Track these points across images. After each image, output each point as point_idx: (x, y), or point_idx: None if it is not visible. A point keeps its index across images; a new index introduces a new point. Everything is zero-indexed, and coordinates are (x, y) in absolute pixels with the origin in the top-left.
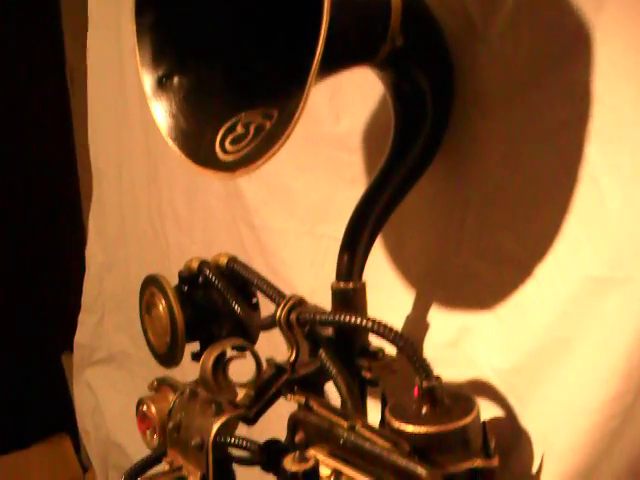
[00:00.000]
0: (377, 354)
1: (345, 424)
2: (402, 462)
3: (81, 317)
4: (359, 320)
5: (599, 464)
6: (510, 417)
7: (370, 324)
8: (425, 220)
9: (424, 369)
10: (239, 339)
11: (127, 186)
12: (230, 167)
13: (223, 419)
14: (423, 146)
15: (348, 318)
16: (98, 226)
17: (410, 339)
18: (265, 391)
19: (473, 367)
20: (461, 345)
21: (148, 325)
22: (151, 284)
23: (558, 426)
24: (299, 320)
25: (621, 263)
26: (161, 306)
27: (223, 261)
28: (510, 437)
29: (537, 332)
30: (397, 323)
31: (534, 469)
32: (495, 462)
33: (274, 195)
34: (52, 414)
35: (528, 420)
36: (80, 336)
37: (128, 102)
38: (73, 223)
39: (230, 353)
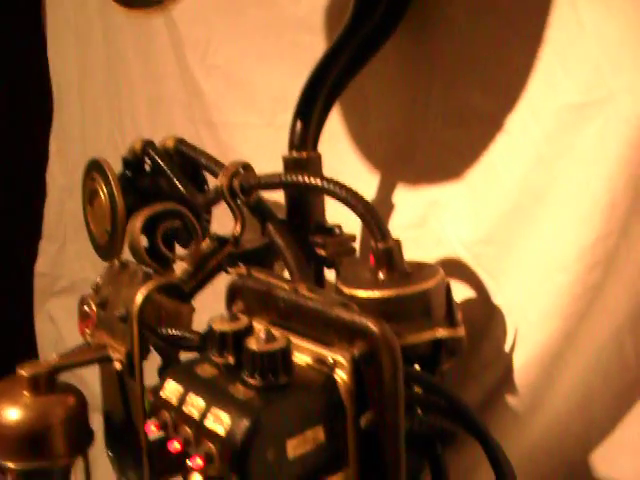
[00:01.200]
0: (332, 230)
1: (287, 287)
2: (349, 316)
3: (42, 245)
4: (307, 179)
5: (579, 328)
6: (482, 296)
7: (319, 182)
8: (390, 95)
9: (380, 229)
10: (173, 204)
11: (88, 104)
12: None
13: (150, 286)
14: (386, 8)
15: (295, 178)
16: (59, 147)
17: (365, 199)
18: (204, 264)
19: (442, 245)
20: (429, 223)
21: (90, 216)
22: (93, 169)
23: (534, 291)
24: (243, 187)
25: (601, 81)
26: (102, 192)
27: (170, 144)
28: (482, 319)
29: (509, 190)
30: None
31: (507, 348)
32: (461, 331)
33: (232, 89)
34: (14, 350)
35: (500, 296)
36: (41, 265)
37: (88, 15)
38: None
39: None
